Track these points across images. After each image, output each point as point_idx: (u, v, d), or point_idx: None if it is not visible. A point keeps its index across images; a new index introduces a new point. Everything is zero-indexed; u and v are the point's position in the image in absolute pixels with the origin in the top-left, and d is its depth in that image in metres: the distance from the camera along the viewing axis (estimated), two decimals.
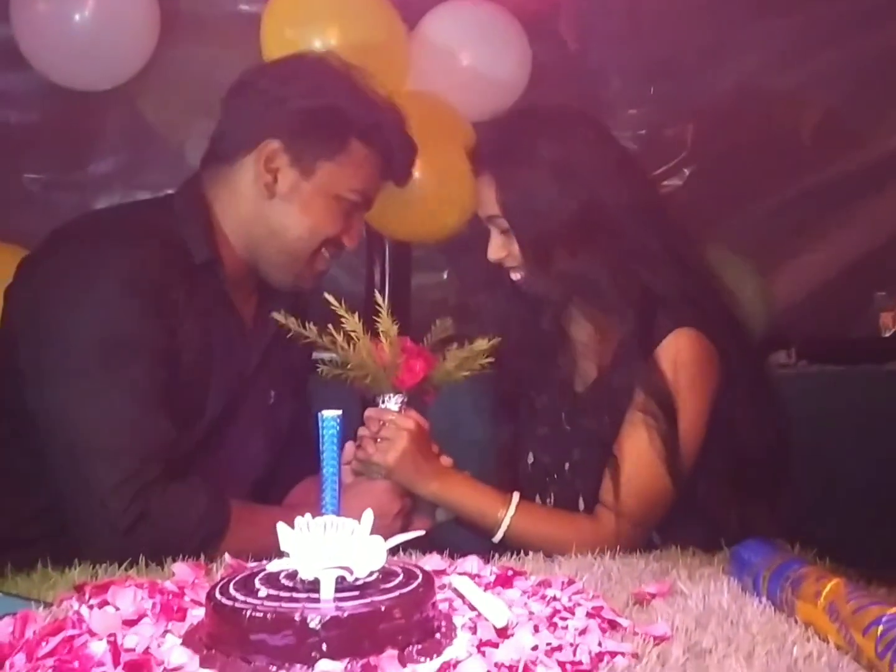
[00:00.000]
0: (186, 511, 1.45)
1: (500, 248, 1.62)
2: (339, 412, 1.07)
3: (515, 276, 1.64)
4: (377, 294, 1.52)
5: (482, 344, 1.53)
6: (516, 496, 1.56)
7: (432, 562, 1.25)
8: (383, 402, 1.54)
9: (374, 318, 1.50)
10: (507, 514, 1.53)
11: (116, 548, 1.37)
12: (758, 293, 2.64)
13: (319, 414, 1.05)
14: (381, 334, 1.50)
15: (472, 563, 1.26)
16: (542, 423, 1.73)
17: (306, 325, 1.49)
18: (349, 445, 1.56)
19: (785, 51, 2.69)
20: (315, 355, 1.62)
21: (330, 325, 1.49)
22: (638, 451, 1.55)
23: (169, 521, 1.43)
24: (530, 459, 1.73)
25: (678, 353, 1.55)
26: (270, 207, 1.59)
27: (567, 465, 1.68)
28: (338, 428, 1.06)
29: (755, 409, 1.61)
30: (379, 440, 1.54)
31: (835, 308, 2.87)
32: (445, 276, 2.72)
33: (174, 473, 1.46)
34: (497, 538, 1.53)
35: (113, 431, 1.44)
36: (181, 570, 1.21)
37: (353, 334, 1.47)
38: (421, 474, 1.53)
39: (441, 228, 2.33)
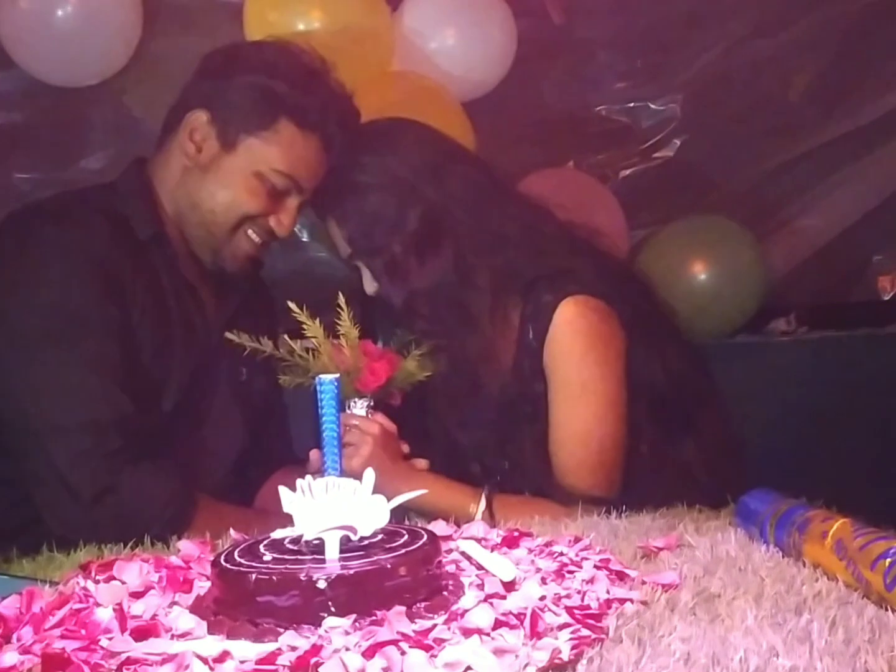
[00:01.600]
0: (155, 491, 1.46)
1: (370, 282, 1.63)
2: (337, 375, 1.08)
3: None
4: (339, 295, 1.49)
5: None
6: (486, 489, 1.53)
7: (438, 528, 1.24)
8: (349, 407, 1.53)
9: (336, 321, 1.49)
10: (479, 508, 1.51)
11: (81, 520, 1.40)
12: (755, 260, 2.63)
13: (318, 378, 1.06)
14: (341, 338, 1.49)
15: (477, 527, 1.26)
16: (473, 426, 1.69)
17: (260, 339, 1.50)
18: (314, 453, 1.50)
19: (770, 15, 2.67)
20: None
21: (285, 336, 1.51)
22: (563, 423, 1.57)
23: (136, 498, 1.44)
24: (477, 468, 1.69)
25: (570, 322, 1.55)
26: (192, 179, 1.60)
27: (506, 464, 1.66)
28: (336, 391, 1.06)
29: (663, 361, 1.62)
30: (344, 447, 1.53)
31: (833, 273, 2.86)
32: None
33: (142, 451, 1.46)
34: None
35: (67, 406, 1.46)
36: (187, 546, 1.21)
37: (314, 341, 1.47)
38: (388, 477, 1.45)
39: None
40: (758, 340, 2.74)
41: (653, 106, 2.76)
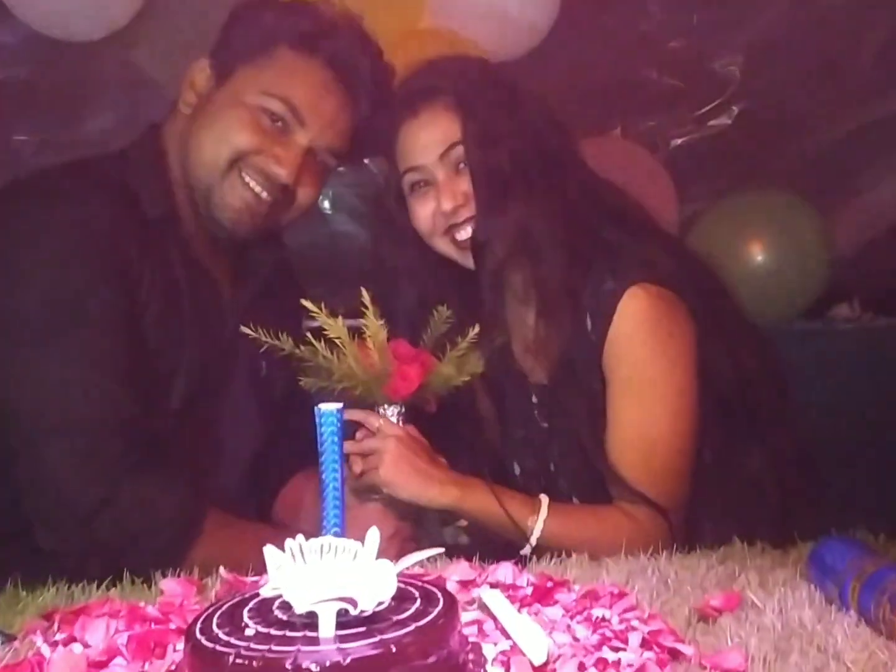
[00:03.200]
0: (158, 503, 1.35)
1: (459, 187, 1.43)
2: (340, 405, 0.94)
3: (462, 233, 1.44)
4: (363, 291, 1.30)
5: (474, 332, 1.35)
6: (545, 499, 1.39)
7: (460, 570, 1.09)
8: (380, 413, 1.39)
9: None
10: (539, 519, 1.36)
11: (76, 534, 1.31)
12: (819, 238, 2.52)
13: (317, 408, 0.92)
14: (368, 339, 1.32)
15: (505, 571, 1.09)
16: (514, 425, 1.57)
17: (279, 335, 1.32)
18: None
19: None
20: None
21: (308, 334, 1.33)
22: (626, 426, 1.42)
23: (137, 511, 1.33)
24: (517, 470, 1.57)
25: (637, 313, 1.41)
26: (187, 126, 1.47)
27: (552, 466, 1.52)
28: (338, 424, 0.92)
29: (734, 356, 1.49)
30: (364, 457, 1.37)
31: None
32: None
33: (146, 456, 1.36)
34: (527, 550, 1.35)
35: (63, 404, 1.35)
36: (170, 587, 1.08)
37: (337, 342, 1.31)
38: (432, 481, 1.34)
39: None
40: (818, 327, 2.65)
41: (710, 67, 2.62)
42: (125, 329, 1.39)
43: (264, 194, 1.44)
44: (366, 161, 2.39)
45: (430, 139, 1.44)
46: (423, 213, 1.45)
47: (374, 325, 1.31)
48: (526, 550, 1.35)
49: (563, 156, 1.47)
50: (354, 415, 1.35)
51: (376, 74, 1.49)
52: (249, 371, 1.56)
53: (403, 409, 1.37)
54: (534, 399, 1.53)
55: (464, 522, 1.45)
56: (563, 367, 1.46)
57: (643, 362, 1.41)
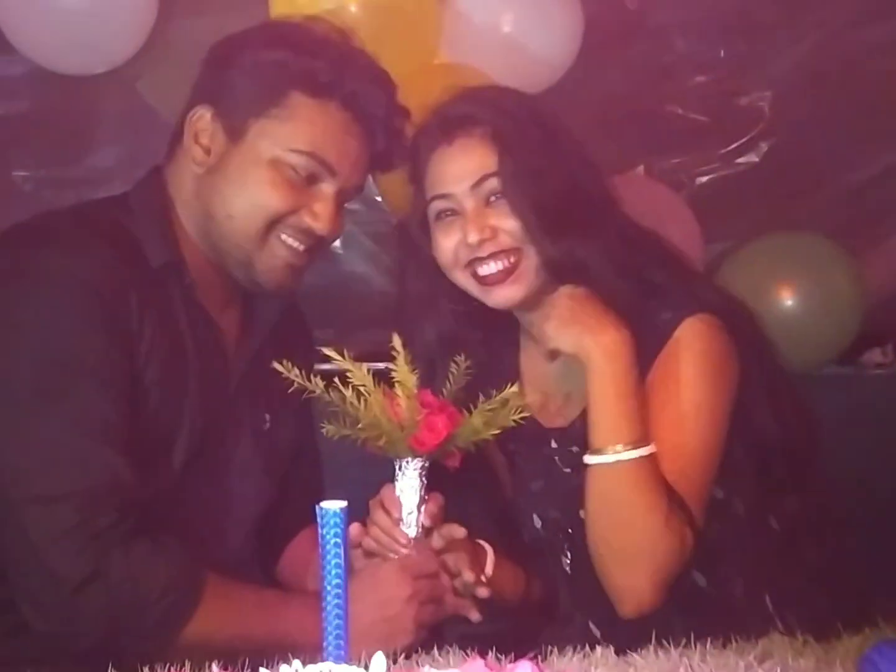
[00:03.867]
0: (150, 575, 1.27)
1: (486, 221, 1.40)
2: (344, 503, 0.84)
3: (484, 268, 1.41)
4: (395, 336, 1.30)
5: (511, 393, 1.33)
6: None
7: (473, 668, 0.98)
8: (400, 468, 1.34)
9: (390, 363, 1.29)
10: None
11: (62, 611, 1.25)
12: (851, 281, 2.44)
13: (318, 507, 0.84)
14: (396, 385, 1.30)
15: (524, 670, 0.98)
16: (531, 476, 1.51)
17: (311, 378, 1.30)
18: (354, 528, 1.33)
19: None
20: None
21: (336, 379, 1.30)
22: (664, 440, 1.38)
23: (128, 585, 1.26)
24: (538, 523, 1.51)
25: (692, 343, 1.40)
26: (204, 186, 1.42)
27: (581, 513, 1.43)
28: (342, 526, 0.83)
29: (773, 403, 1.48)
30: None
31: None
32: None
33: (141, 524, 1.29)
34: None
35: (50, 471, 1.28)
36: None
37: (362, 389, 1.29)
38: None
39: None
40: (850, 373, 2.60)
41: (737, 103, 2.55)
42: (124, 389, 1.33)
43: (301, 248, 1.41)
44: (378, 198, 2.35)
45: (463, 168, 1.42)
46: (447, 243, 1.42)
47: (404, 371, 1.28)
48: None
49: (599, 195, 1.46)
50: (383, 522, 1.33)
51: (391, 107, 1.44)
52: (252, 425, 1.50)
53: (427, 464, 1.33)
54: (553, 445, 1.48)
55: (485, 592, 1.37)
56: None
57: (691, 386, 1.39)
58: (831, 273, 2.41)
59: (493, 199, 1.40)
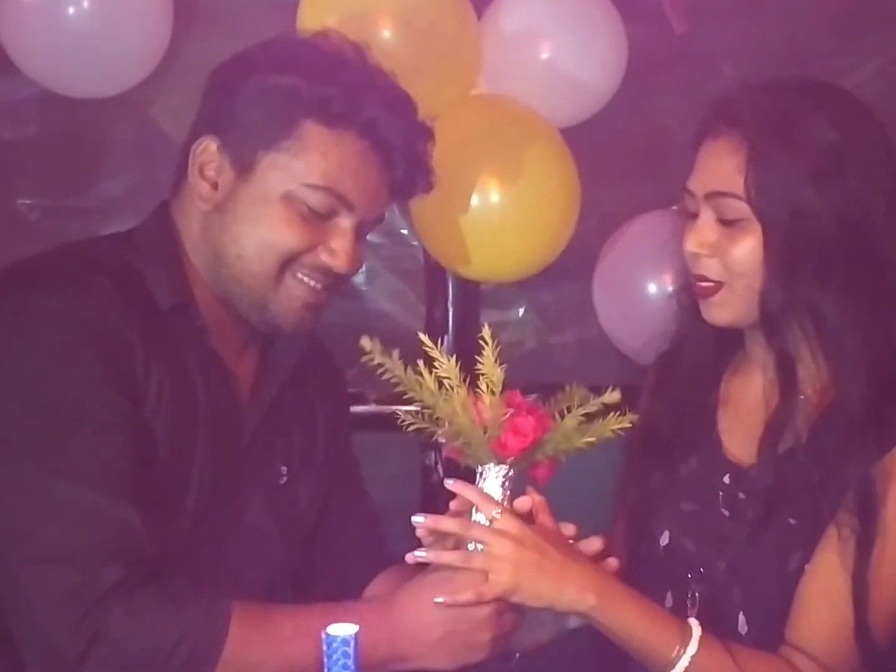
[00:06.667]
0: (160, 625, 1.19)
1: (708, 237, 1.30)
2: (355, 629, 0.83)
3: (706, 280, 1.32)
4: (485, 327, 1.21)
5: (611, 397, 1.22)
6: (697, 628, 1.23)
7: None
8: (481, 474, 1.23)
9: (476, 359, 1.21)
10: (687, 654, 1.20)
11: None
12: None
13: (325, 632, 0.83)
14: (480, 380, 1.21)
15: None
16: (686, 495, 1.38)
17: (391, 354, 1.23)
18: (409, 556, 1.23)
19: None
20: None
21: (420, 362, 1.22)
22: (831, 582, 1.24)
23: (135, 640, 1.18)
24: (664, 540, 1.38)
25: None
26: (212, 225, 1.34)
27: (723, 565, 1.32)
28: (352, 654, 0.81)
29: None
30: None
31: None
32: (521, 314, 2.36)
33: (146, 576, 1.21)
34: None
35: (52, 529, 1.21)
36: None
37: (447, 382, 1.20)
38: (563, 583, 1.18)
39: (518, 268, 1.97)
40: None
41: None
42: (132, 436, 1.25)
43: (319, 286, 1.34)
44: (404, 231, 2.24)
45: (708, 173, 1.31)
46: (683, 242, 1.33)
47: (490, 363, 1.20)
48: None
49: (890, 245, 1.29)
50: (467, 492, 1.21)
51: (411, 132, 1.34)
52: (267, 478, 1.41)
53: (511, 473, 1.22)
54: (725, 479, 1.35)
55: (575, 623, 1.26)
56: (792, 467, 1.29)
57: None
58: None
59: (728, 217, 1.28)
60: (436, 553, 1.20)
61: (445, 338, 2.15)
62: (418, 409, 1.23)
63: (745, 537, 1.30)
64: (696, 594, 1.33)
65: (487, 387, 1.20)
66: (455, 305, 2.19)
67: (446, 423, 1.21)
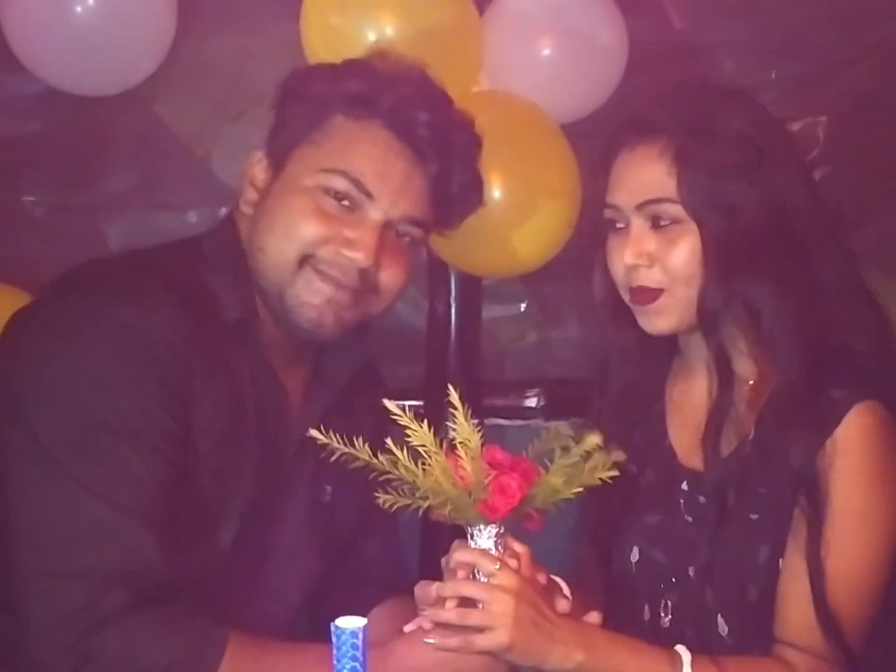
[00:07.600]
0: (152, 649, 1.18)
1: (646, 246, 1.29)
2: (364, 621, 0.83)
3: (646, 290, 1.31)
4: (451, 389, 1.17)
5: (592, 444, 1.19)
6: (685, 653, 1.23)
7: None
8: (472, 536, 1.21)
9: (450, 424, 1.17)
10: None
11: None
12: None
13: (333, 624, 0.83)
14: (459, 447, 1.17)
15: None
16: (648, 507, 1.39)
17: (354, 441, 1.17)
18: (419, 588, 1.22)
19: None
20: None
21: (388, 440, 1.18)
22: (804, 571, 1.25)
23: (123, 664, 1.17)
24: (634, 556, 1.39)
25: (863, 436, 1.26)
26: (251, 225, 1.35)
27: (691, 570, 1.33)
28: (361, 646, 0.81)
29: None
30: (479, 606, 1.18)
31: None
32: (523, 308, 2.38)
33: (148, 601, 1.19)
34: None
35: (68, 546, 1.19)
36: None
37: (422, 450, 1.17)
38: (553, 643, 1.17)
39: (518, 263, 1.99)
40: None
41: (790, 128, 2.25)
42: (171, 457, 1.23)
43: (342, 279, 1.30)
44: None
45: (635, 184, 1.30)
46: (615, 256, 1.32)
47: (465, 428, 1.17)
48: None
49: (817, 239, 1.31)
50: (465, 555, 1.19)
51: (441, 128, 1.32)
52: (312, 495, 1.40)
53: (502, 530, 1.20)
54: (683, 486, 1.36)
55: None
56: (742, 462, 1.31)
57: (860, 490, 1.26)
58: (889, 313, 2.27)
59: (663, 223, 1.28)
60: (434, 612, 1.19)
61: (448, 336, 2.19)
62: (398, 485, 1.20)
63: (709, 540, 1.31)
64: (669, 602, 1.34)
65: (466, 453, 1.17)
66: (457, 300, 2.21)
67: (430, 496, 1.18)
